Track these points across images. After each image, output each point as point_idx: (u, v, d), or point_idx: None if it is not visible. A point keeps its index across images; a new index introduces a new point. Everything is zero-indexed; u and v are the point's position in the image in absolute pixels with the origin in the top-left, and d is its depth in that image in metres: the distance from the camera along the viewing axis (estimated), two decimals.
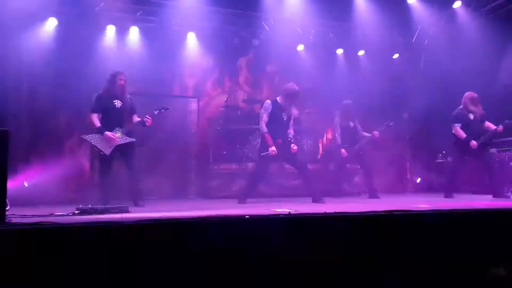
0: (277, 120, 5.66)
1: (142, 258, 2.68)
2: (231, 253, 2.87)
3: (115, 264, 2.61)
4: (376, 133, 7.02)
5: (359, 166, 7.32)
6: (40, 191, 6.99)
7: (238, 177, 7.21)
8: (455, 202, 5.25)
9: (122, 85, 5.23)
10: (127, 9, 8.17)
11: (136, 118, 5.39)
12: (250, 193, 5.78)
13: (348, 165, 7.17)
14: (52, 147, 7.43)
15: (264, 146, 5.63)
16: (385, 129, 7.14)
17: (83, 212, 3.76)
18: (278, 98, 5.82)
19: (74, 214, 3.72)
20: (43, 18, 7.83)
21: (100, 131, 5.08)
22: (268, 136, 5.57)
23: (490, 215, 3.77)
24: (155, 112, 5.29)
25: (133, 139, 5.30)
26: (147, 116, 5.23)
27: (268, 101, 5.83)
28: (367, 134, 7.17)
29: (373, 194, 6.67)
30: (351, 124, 7.08)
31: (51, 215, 3.57)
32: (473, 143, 6.20)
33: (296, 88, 5.72)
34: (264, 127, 5.65)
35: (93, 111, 5.24)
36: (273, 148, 5.50)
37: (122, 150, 5.22)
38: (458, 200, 5.75)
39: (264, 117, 5.67)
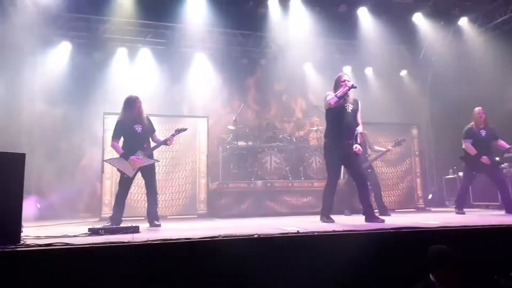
0: (340, 116, 4.97)
1: (152, 278, 2.71)
2: (241, 272, 2.89)
3: (126, 284, 2.65)
4: (390, 148, 7.03)
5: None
6: (53, 211, 7.10)
7: (247, 196, 7.24)
8: (465, 219, 5.20)
9: (140, 110, 5.34)
10: (138, 32, 8.41)
11: (157, 137, 5.54)
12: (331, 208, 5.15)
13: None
14: (64, 168, 7.56)
15: (327, 150, 5.18)
16: (398, 145, 7.13)
17: (94, 232, 3.81)
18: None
19: (86, 235, 3.78)
20: (57, 43, 8.09)
21: (123, 156, 5.21)
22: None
23: (501, 231, 3.74)
24: (175, 133, 5.44)
25: (155, 161, 5.41)
26: (170, 136, 5.38)
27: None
28: (381, 149, 7.15)
29: (383, 211, 6.63)
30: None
31: (64, 236, 3.63)
32: (485, 158, 6.15)
33: (341, 74, 5.15)
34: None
35: (114, 138, 5.30)
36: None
37: (144, 172, 5.35)
38: (469, 216, 5.69)
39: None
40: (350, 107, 4.99)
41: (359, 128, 5.05)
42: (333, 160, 5.09)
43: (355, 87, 4.90)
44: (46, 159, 7.71)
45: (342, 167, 5.49)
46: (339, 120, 4.96)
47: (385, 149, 7.17)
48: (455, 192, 7.53)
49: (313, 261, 3.04)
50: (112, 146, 5.33)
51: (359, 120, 5.09)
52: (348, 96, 4.95)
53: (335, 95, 4.85)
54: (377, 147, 7.23)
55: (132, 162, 5.15)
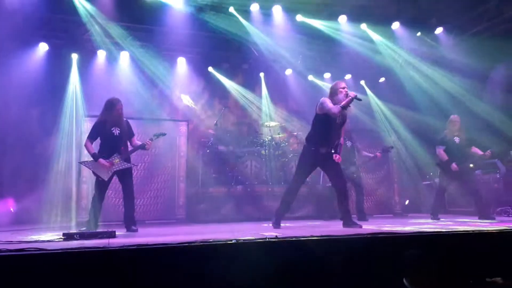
0: (329, 125, 4.92)
1: (128, 285, 2.67)
2: (218, 277, 2.88)
3: None
4: (378, 154, 7.10)
5: (352, 186, 7.22)
6: (28, 215, 6.92)
7: (227, 201, 7.23)
8: (440, 224, 5.32)
9: (119, 113, 5.31)
10: (118, 35, 8.29)
11: (136, 141, 5.50)
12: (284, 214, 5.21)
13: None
14: (39, 171, 7.38)
15: (304, 154, 5.12)
16: (386, 152, 7.19)
17: (69, 237, 3.73)
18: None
19: (60, 239, 3.70)
20: (34, 44, 7.91)
21: (95, 157, 5.15)
22: None
23: (475, 236, 3.84)
24: (153, 138, 5.40)
25: (131, 165, 5.36)
26: (148, 140, 5.35)
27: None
28: (368, 154, 7.20)
29: (361, 217, 6.71)
30: (348, 143, 7.04)
31: (37, 241, 3.55)
32: (454, 166, 6.34)
33: (339, 83, 5.04)
34: None
35: (88, 138, 5.29)
36: None
37: (120, 176, 5.30)
38: (444, 222, 5.81)
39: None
40: (339, 119, 4.93)
41: (340, 140, 5.08)
42: (305, 165, 5.13)
43: (359, 99, 4.84)
44: (22, 162, 7.52)
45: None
46: (326, 129, 4.92)
47: (373, 155, 7.20)
48: (431, 198, 7.68)
49: (291, 266, 3.05)
50: (85, 145, 5.28)
51: (342, 132, 5.12)
52: (350, 106, 4.89)
53: (340, 105, 4.74)
54: (365, 153, 7.27)
55: (102, 165, 5.08)
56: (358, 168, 7.05)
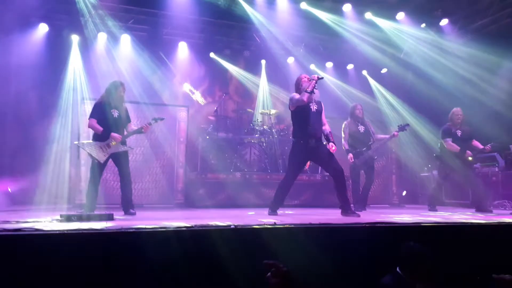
0: (306, 116, 4.97)
1: (124, 267, 2.67)
2: (216, 262, 2.88)
3: (96, 271, 2.60)
4: (396, 133, 6.79)
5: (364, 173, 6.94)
6: (26, 196, 6.92)
7: (225, 187, 7.22)
8: (437, 216, 5.33)
9: (121, 96, 5.31)
10: (119, 17, 8.20)
11: (132, 127, 5.48)
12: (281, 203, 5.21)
13: (362, 171, 6.84)
14: (37, 153, 7.35)
15: (295, 150, 5.08)
16: (402, 130, 6.97)
17: (67, 219, 3.73)
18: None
19: (57, 221, 3.69)
20: (34, 24, 7.82)
21: (99, 137, 5.15)
22: None
23: (470, 229, 3.85)
24: (152, 122, 5.38)
25: (128, 148, 5.35)
26: (145, 124, 5.33)
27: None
28: (385, 136, 7.01)
29: (360, 205, 6.64)
30: (361, 128, 6.83)
31: (34, 221, 3.54)
32: (469, 153, 6.32)
33: (300, 75, 5.24)
34: None
35: (92, 117, 5.26)
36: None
37: (116, 158, 5.28)
38: (441, 214, 5.82)
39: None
40: (314, 107, 5.02)
41: (327, 128, 5.14)
42: (297, 160, 5.10)
43: (321, 78, 5.02)
44: (20, 143, 7.49)
45: None
46: (305, 120, 4.97)
47: (389, 135, 6.96)
48: (428, 190, 7.69)
49: (289, 253, 3.06)
50: (91, 125, 5.25)
51: (324, 120, 5.17)
52: (317, 89, 4.99)
53: (305, 91, 4.90)
54: (380, 136, 7.06)
55: (114, 137, 5.10)
56: (374, 153, 6.88)
